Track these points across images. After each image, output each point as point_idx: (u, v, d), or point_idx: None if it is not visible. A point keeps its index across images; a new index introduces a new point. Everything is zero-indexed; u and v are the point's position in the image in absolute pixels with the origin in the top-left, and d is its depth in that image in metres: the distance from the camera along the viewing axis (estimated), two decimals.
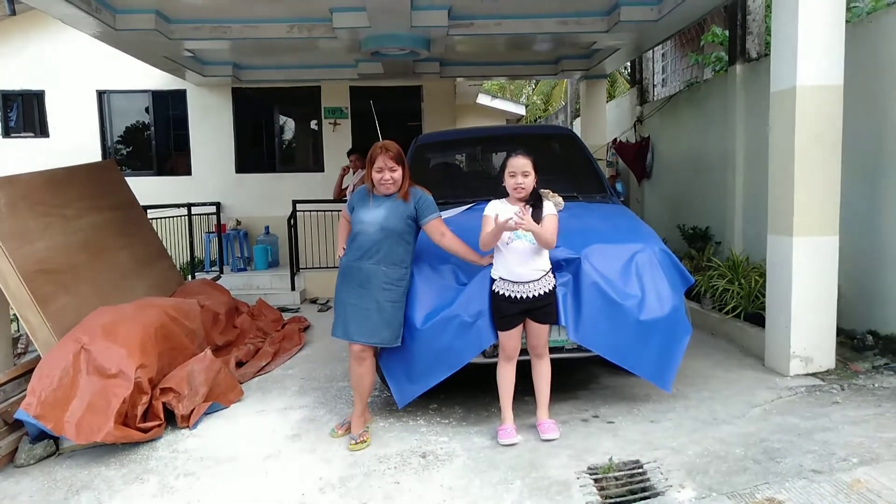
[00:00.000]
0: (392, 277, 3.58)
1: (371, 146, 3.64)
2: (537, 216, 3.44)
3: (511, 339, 3.55)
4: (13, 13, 8.44)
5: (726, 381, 4.33)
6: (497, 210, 3.55)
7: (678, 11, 6.05)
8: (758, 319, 4.99)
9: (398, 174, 3.58)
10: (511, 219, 3.32)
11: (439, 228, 3.63)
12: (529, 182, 3.49)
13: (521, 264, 3.48)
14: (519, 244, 3.47)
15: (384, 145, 3.58)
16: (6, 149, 9.70)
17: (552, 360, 3.72)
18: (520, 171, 3.48)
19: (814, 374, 4.28)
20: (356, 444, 3.57)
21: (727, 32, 7.09)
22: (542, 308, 3.49)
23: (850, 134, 4.36)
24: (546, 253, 3.54)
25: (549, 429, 3.57)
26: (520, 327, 3.55)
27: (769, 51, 4.62)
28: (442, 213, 4.71)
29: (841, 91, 4.20)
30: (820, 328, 4.31)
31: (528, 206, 3.46)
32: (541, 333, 3.54)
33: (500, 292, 3.52)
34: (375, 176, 3.59)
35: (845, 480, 2.83)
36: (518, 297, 3.48)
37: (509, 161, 3.53)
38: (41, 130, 9.90)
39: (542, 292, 3.49)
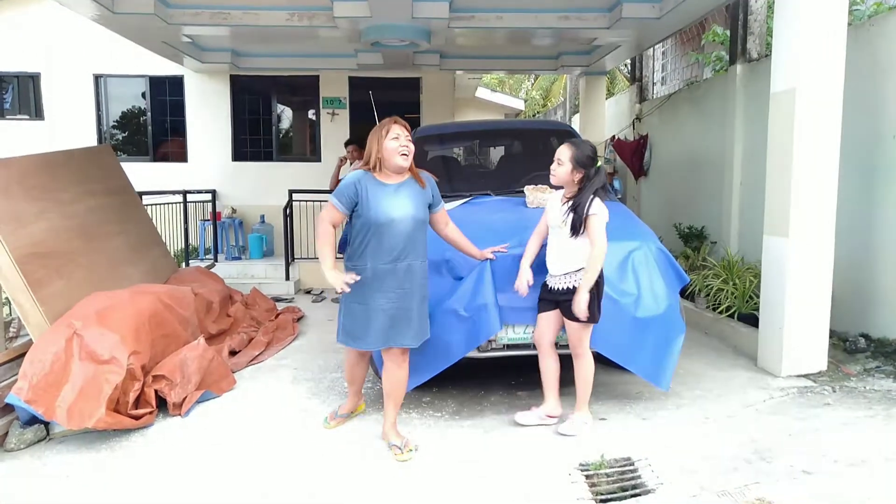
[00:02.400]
0: (425, 271, 3.38)
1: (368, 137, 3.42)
2: (575, 222, 3.38)
3: (539, 323, 3.60)
4: None
5: (718, 380, 4.34)
6: (551, 204, 3.63)
7: (680, 10, 6.04)
8: (751, 320, 5.01)
9: (412, 147, 3.28)
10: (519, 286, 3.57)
11: (445, 217, 3.56)
12: (561, 171, 3.47)
13: (552, 257, 3.53)
14: (552, 241, 3.55)
15: (394, 118, 3.30)
16: (0, 131, 9.62)
17: (525, 357, 3.77)
18: (557, 157, 3.52)
19: (806, 376, 4.30)
20: (403, 453, 3.30)
21: (728, 32, 7.09)
22: (565, 303, 3.47)
23: (847, 137, 4.37)
24: (579, 251, 3.44)
25: (569, 424, 3.55)
26: (549, 315, 3.57)
27: (770, 51, 4.62)
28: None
29: (841, 94, 4.20)
30: (813, 330, 4.33)
31: (570, 210, 3.42)
32: (570, 330, 3.51)
33: (545, 281, 3.59)
34: (391, 144, 3.20)
35: (835, 482, 2.85)
36: (549, 286, 3.56)
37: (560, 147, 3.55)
38: (36, 113, 9.82)
39: (565, 287, 3.48)
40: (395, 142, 3.22)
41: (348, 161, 8.11)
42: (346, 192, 3.24)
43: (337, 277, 3.15)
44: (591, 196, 3.40)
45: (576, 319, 3.44)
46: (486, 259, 3.72)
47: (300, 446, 3.51)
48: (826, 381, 4.21)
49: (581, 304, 3.34)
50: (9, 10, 9.28)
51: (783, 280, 4.30)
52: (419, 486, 3.05)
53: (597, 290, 3.46)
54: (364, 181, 3.25)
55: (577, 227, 3.39)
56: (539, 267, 3.68)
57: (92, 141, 9.60)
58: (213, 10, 6.45)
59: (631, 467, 3.13)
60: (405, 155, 3.24)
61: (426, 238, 3.39)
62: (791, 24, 4.21)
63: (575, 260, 3.45)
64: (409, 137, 3.28)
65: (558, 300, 3.51)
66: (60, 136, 9.09)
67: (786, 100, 4.28)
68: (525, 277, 3.58)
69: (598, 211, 3.39)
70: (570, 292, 3.45)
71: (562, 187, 3.58)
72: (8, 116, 9.83)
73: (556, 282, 3.51)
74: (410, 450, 3.34)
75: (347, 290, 3.16)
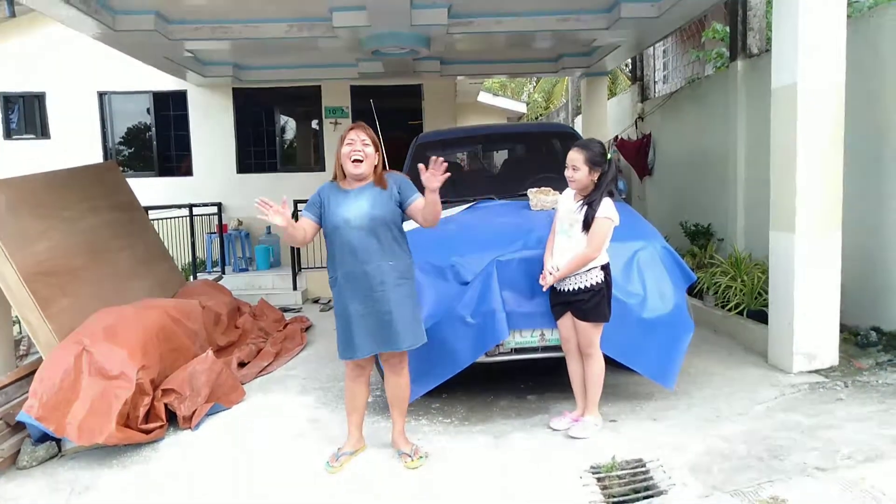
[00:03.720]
0: (401, 270, 3.23)
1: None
2: (590, 215, 3.40)
3: (561, 330, 3.61)
4: (13, 15, 8.43)
5: (729, 378, 4.31)
6: (562, 201, 3.65)
7: (678, 8, 6.03)
8: (760, 316, 4.97)
9: (371, 151, 3.20)
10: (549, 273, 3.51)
11: (421, 204, 3.28)
12: (580, 176, 3.45)
13: (562, 258, 3.50)
14: (560, 239, 3.55)
15: (357, 124, 3.27)
16: (7, 151, 9.70)
17: (534, 361, 3.76)
18: (570, 164, 3.49)
19: (817, 371, 4.26)
20: (413, 460, 3.29)
21: (728, 28, 7.07)
22: (575, 303, 3.46)
23: (852, 129, 4.34)
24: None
25: (579, 426, 3.55)
26: (566, 319, 3.55)
27: (770, 46, 4.60)
28: (444, 212, 4.73)
29: (842, 86, 4.18)
30: (823, 325, 4.30)
31: (583, 206, 3.44)
32: (580, 329, 3.50)
33: (555, 287, 3.58)
34: (345, 150, 3.17)
35: (850, 478, 2.82)
36: (558, 289, 3.55)
37: (568, 153, 3.54)
38: (42, 132, 9.90)
39: (574, 287, 3.46)
40: (347, 147, 3.18)
41: None
42: (311, 201, 3.31)
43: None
44: (604, 193, 3.42)
45: (586, 319, 3.44)
46: (489, 262, 3.71)
47: (311, 457, 3.50)
48: (838, 376, 4.17)
49: (545, 277, 3.48)
50: (13, 32, 9.37)
51: (791, 275, 4.27)
52: (430, 493, 3.04)
53: (607, 290, 3.46)
54: (327, 190, 3.29)
55: (590, 223, 3.40)
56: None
57: (98, 158, 9.67)
58: (214, 24, 6.49)
59: (643, 469, 3.11)
60: (357, 161, 3.17)
61: (397, 238, 3.26)
62: (790, 17, 4.20)
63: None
64: (367, 142, 3.18)
65: (570, 301, 3.50)
66: (67, 154, 9.13)
67: (787, 94, 4.26)
68: (548, 269, 3.53)
69: (612, 215, 3.39)
70: (582, 292, 3.44)
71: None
72: (15, 136, 9.92)
73: (566, 283, 3.50)
74: (421, 457, 3.33)
75: (277, 214, 2.98)
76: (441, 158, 3.03)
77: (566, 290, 3.50)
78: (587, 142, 3.59)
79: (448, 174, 3.02)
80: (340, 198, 3.22)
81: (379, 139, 3.35)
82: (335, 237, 3.21)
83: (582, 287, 3.45)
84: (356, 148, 3.17)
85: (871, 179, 4.73)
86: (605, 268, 3.48)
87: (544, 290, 3.58)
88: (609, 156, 3.50)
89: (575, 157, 3.46)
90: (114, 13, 5.97)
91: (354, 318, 3.21)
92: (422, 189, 3.15)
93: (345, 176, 3.25)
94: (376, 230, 3.18)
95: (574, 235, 3.46)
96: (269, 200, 2.99)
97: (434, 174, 3.00)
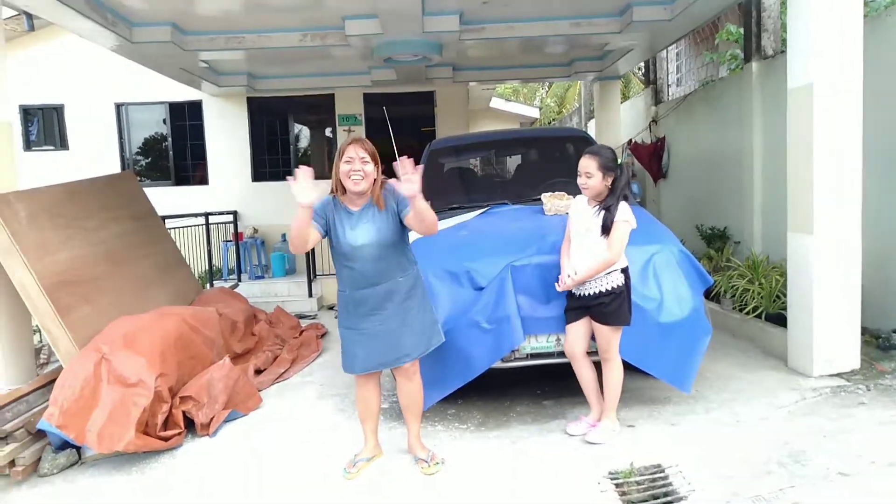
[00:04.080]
0: (410, 283, 3.24)
1: (385, 152, 3.36)
2: (608, 220, 3.39)
3: (569, 334, 3.57)
4: (32, 29, 8.56)
5: (748, 382, 4.26)
6: (576, 207, 3.64)
7: (691, 11, 6.00)
8: (779, 319, 4.91)
9: (370, 168, 3.09)
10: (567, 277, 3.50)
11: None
12: (594, 182, 3.44)
13: (580, 263, 3.49)
14: (580, 243, 3.53)
15: (356, 137, 3.18)
16: (27, 162, 9.85)
17: (550, 366, 3.72)
18: (583, 171, 3.48)
19: (838, 375, 4.20)
20: (429, 466, 3.29)
21: (742, 30, 7.02)
22: (596, 307, 3.45)
23: (871, 129, 4.29)
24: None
25: (596, 432, 3.52)
26: (579, 324, 3.53)
27: (785, 47, 4.57)
28: (457, 217, 4.74)
29: (860, 86, 4.13)
30: (844, 327, 4.24)
31: (600, 210, 3.44)
32: (600, 334, 3.48)
33: (572, 288, 3.57)
34: (344, 169, 3.07)
35: (874, 484, 2.77)
36: (577, 293, 3.53)
37: (580, 161, 3.53)
38: (61, 143, 10.05)
39: (596, 291, 3.45)
40: (346, 165, 3.08)
41: None
42: (318, 212, 3.13)
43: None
44: (620, 197, 3.42)
45: (607, 323, 3.43)
46: (504, 267, 3.71)
47: (329, 463, 3.50)
48: (860, 379, 4.11)
49: (563, 282, 3.46)
50: (32, 45, 9.54)
51: (810, 278, 4.22)
52: (447, 499, 3.03)
53: (627, 292, 3.45)
54: (331, 207, 3.18)
55: (609, 228, 3.39)
56: (558, 277, 3.67)
57: (116, 168, 9.79)
58: (228, 34, 6.56)
59: (661, 474, 3.08)
60: (356, 178, 3.07)
61: (404, 251, 3.25)
62: (805, 17, 4.16)
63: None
64: (367, 159, 3.07)
65: (589, 305, 3.48)
66: (85, 164, 9.27)
67: (804, 95, 4.22)
68: (566, 273, 3.52)
69: (629, 218, 3.40)
70: (603, 295, 3.43)
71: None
72: (34, 148, 10.08)
73: (586, 287, 3.48)
74: (437, 463, 3.32)
75: (306, 196, 2.90)
76: (407, 157, 2.90)
77: (586, 294, 3.48)
78: (598, 148, 3.59)
79: (419, 166, 2.89)
80: (345, 220, 3.14)
81: (393, 146, 3.31)
82: (343, 261, 3.17)
83: (603, 290, 3.43)
84: (355, 168, 3.06)
85: (891, 179, 4.66)
86: (625, 271, 3.47)
87: (559, 290, 3.55)
88: (620, 161, 3.49)
89: (587, 163, 3.46)
90: (131, 25, 6.05)
91: (361, 334, 3.20)
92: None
93: (344, 191, 3.16)
94: (385, 252, 3.15)
95: (591, 240, 3.45)
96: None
97: (406, 177, 2.86)
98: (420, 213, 2.99)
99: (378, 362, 3.24)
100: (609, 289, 3.42)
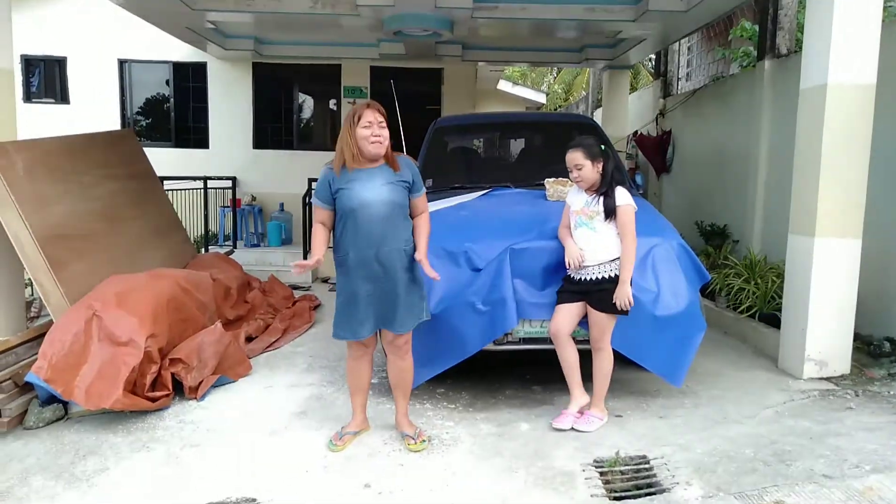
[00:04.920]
0: (410, 255, 3.21)
1: (392, 128, 3.23)
2: (608, 206, 3.39)
3: (558, 314, 3.53)
4: None
5: (738, 380, 4.27)
6: (572, 199, 3.62)
7: (707, 3, 5.93)
8: (772, 320, 4.92)
9: (386, 133, 3.13)
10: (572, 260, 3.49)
11: (423, 206, 3.33)
12: (586, 173, 3.45)
13: (590, 254, 3.47)
14: (580, 232, 3.51)
15: (369, 102, 3.16)
16: (27, 113, 9.73)
17: (541, 352, 3.73)
18: (572, 165, 3.48)
19: (828, 379, 4.21)
20: (416, 443, 3.29)
21: (757, 27, 6.94)
22: (595, 293, 3.44)
23: (877, 134, 4.25)
24: (611, 241, 3.44)
25: (584, 420, 3.52)
26: (571, 306, 3.50)
27: (800, 47, 4.52)
28: (459, 197, 4.70)
29: (873, 90, 4.09)
30: (837, 332, 4.24)
31: (598, 196, 3.44)
32: (596, 321, 3.47)
33: (567, 273, 3.57)
34: (363, 132, 3.08)
35: (857, 487, 2.79)
36: (576, 278, 3.52)
37: (566, 156, 3.51)
38: (62, 97, 9.92)
39: (599, 276, 3.44)
40: (366, 130, 3.08)
41: None
42: (320, 188, 3.21)
43: (316, 259, 3.07)
44: (613, 181, 3.44)
45: (604, 310, 3.42)
46: (503, 250, 3.69)
47: (314, 434, 3.51)
48: (849, 384, 4.12)
49: (626, 297, 3.37)
50: None
51: (808, 280, 4.22)
52: (431, 478, 3.04)
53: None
54: (332, 174, 3.18)
55: (611, 212, 3.39)
56: (557, 263, 3.65)
57: (116, 125, 9.69)
58: None
59: (646, 465, 3.09)
60: (376, 143, 3.10)
61: (408, 223, 3.24)
62: (824, 17, 4.10)
63: (609, 250, 3.44)
64: (384, 123, 3.12)
65: (589, 290, 3.46)
66: (85, 120, 9.16)
67: (816, 95, 4.18)
68: (575, 251, 3.50)
69: (630, 201, 3.41)
70: (604, 282, 3.42)
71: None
72: (34, 99, 9.95)
73: (588, 273, 3.47)
74: (423, 440, 3.33)
75: (315, 263, 3.04)
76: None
77: (588, 279, 3.46)
78: (578, 140, 3.56)
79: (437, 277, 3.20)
80: (356, 180, 3.12)
81: (398, 122, 3.29)
82: (349, 218, 3.13)
83: (606, 276, 3.43)
84: (374, 132, 3.09)
85: (894, 186, 4.64)
86: None
87: (571, 269, 3.53)
88: (603, 147, 3.50)
89: (574, 156, 3.47)
90: None
91: (361, 298, 3.17)
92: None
93: (353, 157, 3.14)
94: (392, 214, 3.14)
95: (598, 227, 3.44)
96: (301, 263, 2.99)
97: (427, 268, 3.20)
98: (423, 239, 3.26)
99: (374, 324, 3.23)
100: (612, 275, 3.42)
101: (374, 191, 3.11)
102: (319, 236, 3.21)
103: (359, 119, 3.11)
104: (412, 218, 3.29)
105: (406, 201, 3.23)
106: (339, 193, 3.14)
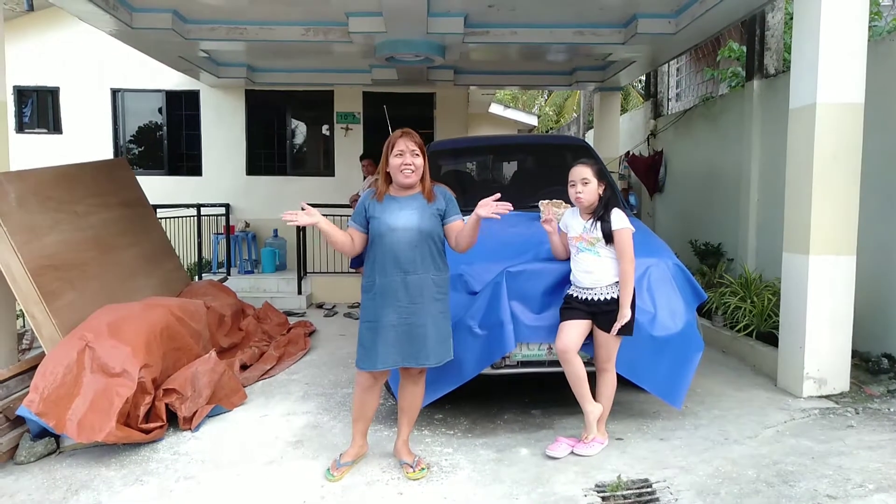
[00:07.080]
0: (441, 285, 3.18)
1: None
2: (606, 230, 3.38)
3: (566, 330, 3.44)
4: (31, 9, 8.49)
5: (738, 400, 4.25)
6: (567, 221, 3.60)
7: (696, 25, 6.00)
8: (770, 339, 4.91)
9: (420, 161, 3.13)
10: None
11: (460, 228, 3.26)
12: (589, 191, 3.43)
13: (585, 275, 3.47)
14: (584, 257, 3.48)
15: (405, 130, 3.16)
16: (19, 144, 9.72)
17: (540, 375, 3.68)
18: (579, 178, 3.46)
19: (827, 397, 4.19)
20: (415, 471, 3.22)
21: (744, 48, 7.04)
22: (605, 313, 3.40)
23: (868, 152, 4.30)
24: (612, 267, 3.42)
25: (582, 445, 3.46)
26: (578, 323, 3.44)
27: (787, 67, 4.57)
28: None
29: (862, 109, 4.14)
30: (835, 350, 4.23)
31: (595, 221, 3.43)
32: (602, 342, 3.44)
33: (570, 293, 3.54)
34: (395, 162, 3.11)
35: None
36: (583, 298, 3.48)
37: (571, 170, 3.50)
38: (55, 127, 9.93)
39: (607, 297, 3.42)
40: (398, 159, 3.11)
41: (363, 177, 8.12)
42: (357, 211, 3.24)
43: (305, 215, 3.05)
44: (609, 205, 3.44)
45: (611, 331, 3.39)
46: (499, 273, 3.67)
47: (311, 464, 3.45)
48: (849, 402, 4.10)
49: (625, 320, 3.35)
50: (32, 27, 9.43)
51: (804, 298, 4.22)
52: None
53: (633, 301, 3.44)
54: (372, 200, 3.21)
55: (609, 237, 3.38)
56: (554, 285, 3.64)
57: (109, 154, 9.69)
58: (230, 25, 6.51)
59: (648, 489, 3.05)
60: (408, 172, 3.12)
61: (441, 251, 3.22)
62: (810, 38, 4.17)
63: (609, 272, 3.43)
64: (417, 152, 3.12)
65: (596, 311, 3.43)
66: (78, 149, 9.18)
67: (805, 115, 4.22)
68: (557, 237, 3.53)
69: (626, 224, 3.40)
70: (612, 302, 3.40)
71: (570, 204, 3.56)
72: (27, 130, 9.95)
73: (595, 293, 3.44)
74: (422, 468, 3.28)
75: (306, 215, 3.03)
76: (507, 204, 3.04)
77: (597, 299, 3.43)
78: (586, 158, 3.61)
79: (499, 214, 3.04)
80: (386, 205, 3.15)
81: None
82: (379, 244, 3.13)
83: (614, 297, 3.40)
84: (406, 161, 3.10)
85: (886, 203, 4.67)
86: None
87: (549, 228, 3.57)
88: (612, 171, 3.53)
89: (583, 170, 3.45)
90: (131, 10, 5.99)
91: (384, 328, 3.10)
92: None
93: (388, 185, 3.20)
94: (423, 242, 3.12)
95: (601, 251, 3.43)
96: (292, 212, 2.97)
97: (493, 207, 3.02)
98: (473, 230, 3.12)
99: (398, 357, 3.12)
100: (616, 296, 3.40)
101: (403, 218, 3.12)
102: (340, 231, 3.18)
103: (392, 147, 3.13)
104: (451, 241, 3.23)
105: (438, 229, 3.19)
106: (372, 220, 3.17)
